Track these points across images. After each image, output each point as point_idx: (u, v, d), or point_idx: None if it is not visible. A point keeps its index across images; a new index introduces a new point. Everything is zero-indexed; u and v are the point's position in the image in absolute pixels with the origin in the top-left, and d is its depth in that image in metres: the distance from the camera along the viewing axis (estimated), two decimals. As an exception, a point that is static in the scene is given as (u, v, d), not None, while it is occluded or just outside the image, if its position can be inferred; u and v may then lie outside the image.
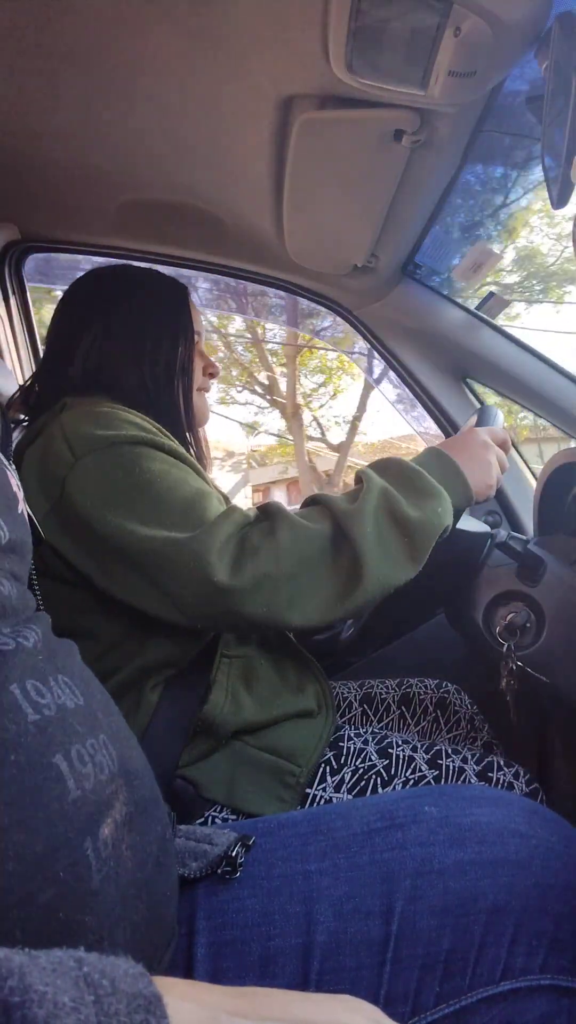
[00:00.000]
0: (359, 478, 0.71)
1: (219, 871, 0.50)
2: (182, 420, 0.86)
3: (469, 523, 0.85)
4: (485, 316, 1.25)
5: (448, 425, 1.36)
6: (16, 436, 0.84)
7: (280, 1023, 0.28)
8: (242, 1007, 0.28)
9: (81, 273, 0.93)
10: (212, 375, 0.94)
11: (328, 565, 0.64)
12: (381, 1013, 0.34)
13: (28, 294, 1.42)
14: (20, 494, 0.50)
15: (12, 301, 1.38)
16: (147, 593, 0.67)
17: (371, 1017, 0.31)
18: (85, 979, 0.23)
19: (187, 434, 0.87)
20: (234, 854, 0.50)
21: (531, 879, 0.48)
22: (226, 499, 0.79)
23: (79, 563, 0.69)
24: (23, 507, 0.50)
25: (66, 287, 0.92)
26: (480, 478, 0.75)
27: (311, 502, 0.72)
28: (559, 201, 0.75)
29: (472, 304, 1.27)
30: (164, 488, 0.68)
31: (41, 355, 1.35)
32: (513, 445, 1.36)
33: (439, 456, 0.74)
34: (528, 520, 1.32)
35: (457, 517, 0.75)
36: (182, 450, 0.75)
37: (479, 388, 1.40)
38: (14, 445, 0.80)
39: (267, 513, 0.69)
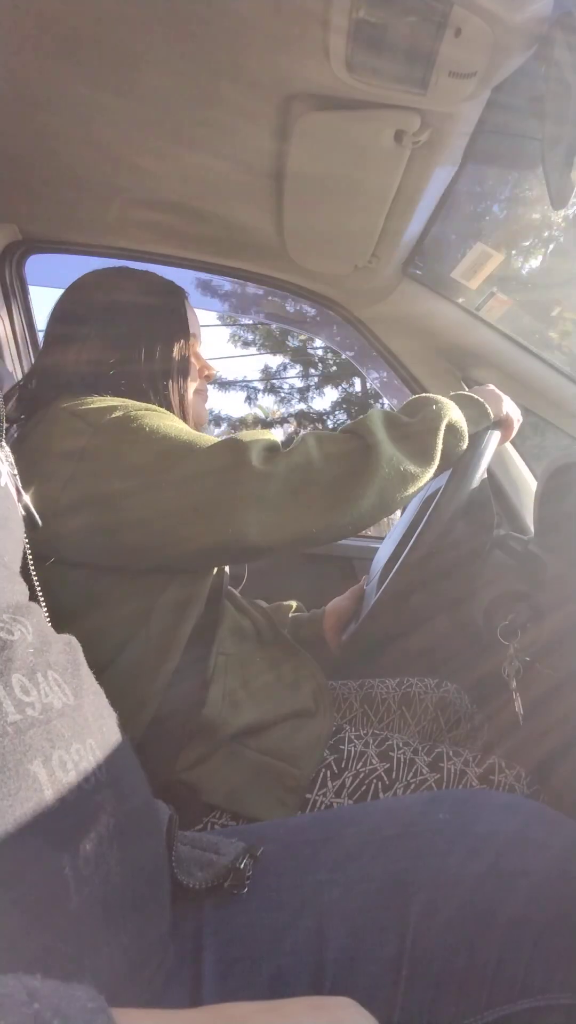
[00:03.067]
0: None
1: (226, 885, 0.48)
2: None
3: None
4: (485, 316, 1.25)
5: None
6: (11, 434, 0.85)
7: None
8: None
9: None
10: (208, 378, 0.94)
11: (349, 455, 0.71)
12: (367, 1022, 0.32)
13: (29, 294, 1.42)
14: (3, 468, 0.49)
15: (12, 302, 1.38)
16: (179, 516, 0.68)
17: None
18: (35, 1017, 0.21)
19: None
20: (242, 867, 0.48)
21: (550, 891, 0.45)
22: None
23: (108, 520, 0.69)
24: (6, 480, 0.49)
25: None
26: (488, 395, 0.84)
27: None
28: (559, 201, 0.75)
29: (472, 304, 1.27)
30: (192, 436, 0.71)
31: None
32: (513, 444, 1.36)
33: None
34: (528, 520, 1.32)
35: (488, 437, 0.81)
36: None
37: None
38: (8, 444, 0.79)
39: (300, 437, 0.76)
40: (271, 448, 0.72)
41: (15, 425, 0.86)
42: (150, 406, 0.75)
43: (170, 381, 0.85)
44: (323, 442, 0.72)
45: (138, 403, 0.75)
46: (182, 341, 0.87)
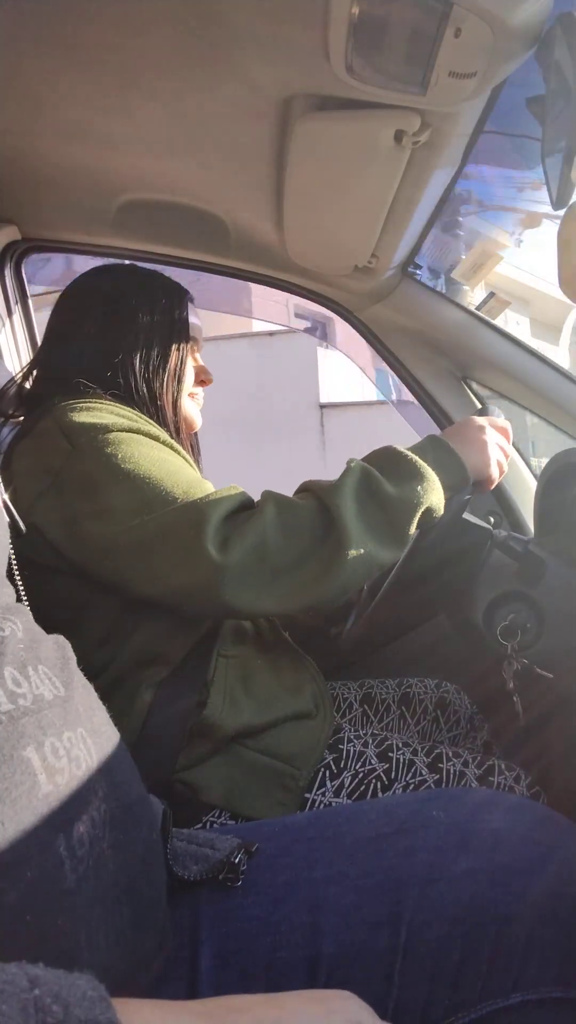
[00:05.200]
0: (347, 465, 0.73)
1: (220, 877, 0.48)
2: (171, 424, 0.86)
3: (471, 518, 0.86)
4: (485, 316, 1.25)
5: (449, 426, 1.36)
6: (7, 433, 0.85)
7: None
8: None
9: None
10: (204, 383, 0.94)
11: (311, 536, 0.66)
12: (366, 1013, 0.32)
13: (28, 294, 1.42)
14: None
15: (12, 301, 1.38)
16: (138, 574, 0.67)
17: (352, 1020, 0.30)
18: (35, 1003, 0.22)
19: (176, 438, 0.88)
20: (237, 860, 0.49)
21: (544, 887, 0.46)
22: None
23: (69, 550, 0.69)
24: None
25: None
26: (477, 458, 0.77)
27: (301, 489, 0.75)
28: (559, 202, 0.75)
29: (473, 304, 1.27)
30: (165, 473, 0.69)
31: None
32: (514, 445, 1.36)
33: (433, 440, 0.77)
34: (528, 520, 1.32)
35: (460, 501, 0.77)
36: (176, 444, 0.77)
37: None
38: (7, 441, 0.80)
39: (261, 498, 0.71)
40: (232, 515, 0.68)
41: (7, 423, 0.86)
42: (136, 426, 0.73)
43: (165, 383, 0.85)
44: (283, 512, 0.67)
45: (126, 420, 0.73)
46: (180, 343, 0.87)
